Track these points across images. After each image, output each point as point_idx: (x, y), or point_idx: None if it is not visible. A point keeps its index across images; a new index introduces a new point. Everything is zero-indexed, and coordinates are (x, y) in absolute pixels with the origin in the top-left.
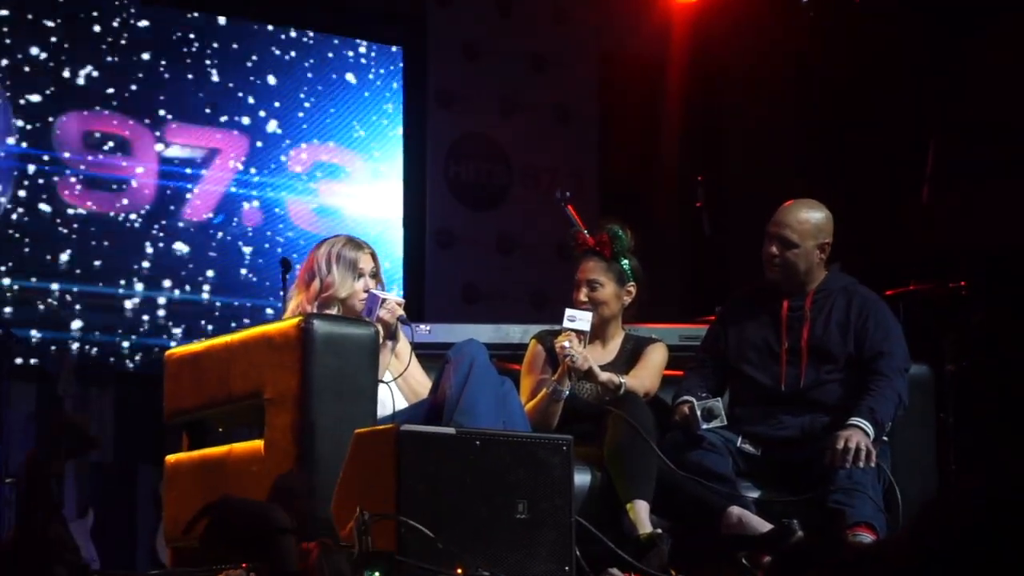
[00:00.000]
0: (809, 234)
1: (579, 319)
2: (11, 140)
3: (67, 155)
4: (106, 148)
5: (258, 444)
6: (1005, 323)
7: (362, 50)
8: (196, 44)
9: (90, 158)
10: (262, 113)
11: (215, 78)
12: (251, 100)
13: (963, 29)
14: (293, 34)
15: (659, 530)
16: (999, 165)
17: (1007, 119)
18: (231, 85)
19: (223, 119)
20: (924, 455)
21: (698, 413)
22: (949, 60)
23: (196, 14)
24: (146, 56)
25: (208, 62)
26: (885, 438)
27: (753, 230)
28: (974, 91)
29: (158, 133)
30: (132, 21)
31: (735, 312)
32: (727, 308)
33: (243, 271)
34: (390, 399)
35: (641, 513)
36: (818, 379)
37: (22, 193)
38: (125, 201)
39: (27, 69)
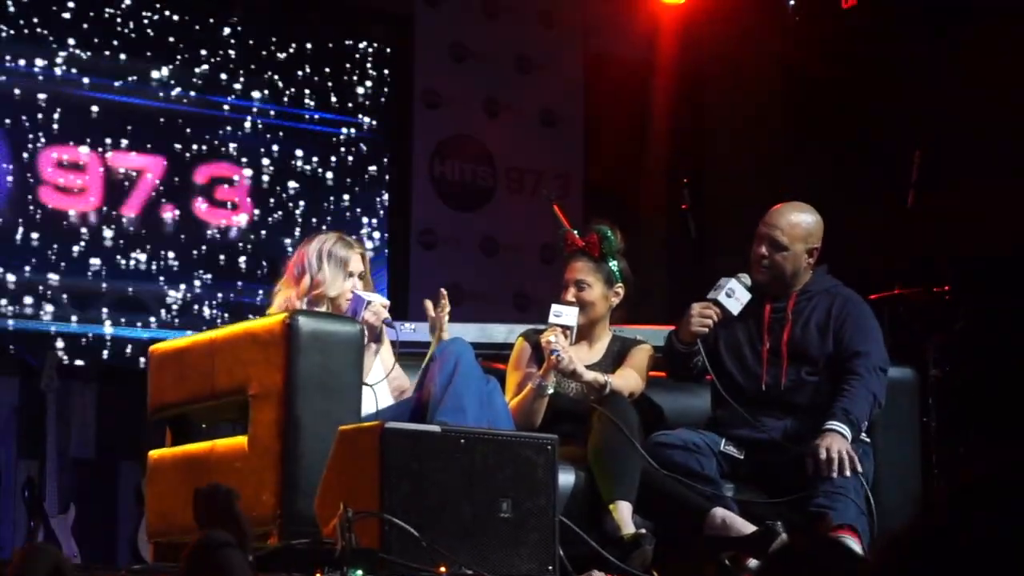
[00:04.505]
0: (799, 237)
1: (565, 314)
2: None
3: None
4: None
5: (242, 440)
6: (988, 329)
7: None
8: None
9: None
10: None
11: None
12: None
13: (949, 35)
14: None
15: (643, 530)
16: (985, 171)
17: (993, 125)
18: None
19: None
20: (907, 459)
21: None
22: (936, 65)
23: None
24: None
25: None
26: (867, 439)
27: (739, 233)
28: (960, 96)
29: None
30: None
31: None
32: None
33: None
34: (373, 402)
35: (624, 513)
36: (799, 380)
37: None
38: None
39: None
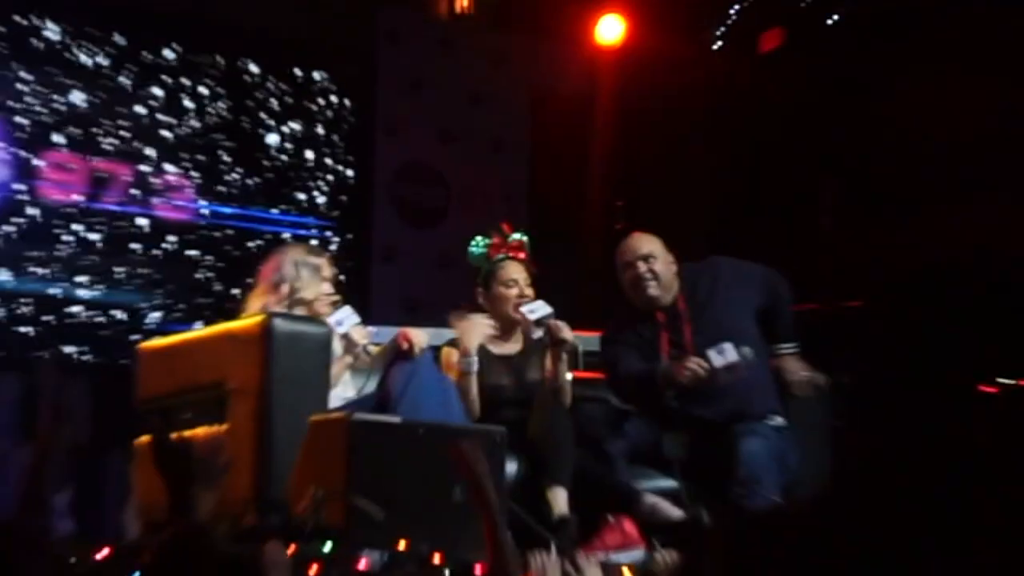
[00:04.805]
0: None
1: (538, 309)
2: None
3: None
4: None
5: (220, 429)
6: (895, 340)
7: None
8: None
9: None
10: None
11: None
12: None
13: (858, 81)
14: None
15: (571, 513)
16: (894, 197)
17: (902, 157)
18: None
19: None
20: (820, 459)
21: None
22: (846, 106)
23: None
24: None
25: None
26: (783, 420)
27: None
28: (867, 129)
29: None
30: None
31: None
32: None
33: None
34: (337, 400)
35: (558, 497)
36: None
37: None
38: None
39: None
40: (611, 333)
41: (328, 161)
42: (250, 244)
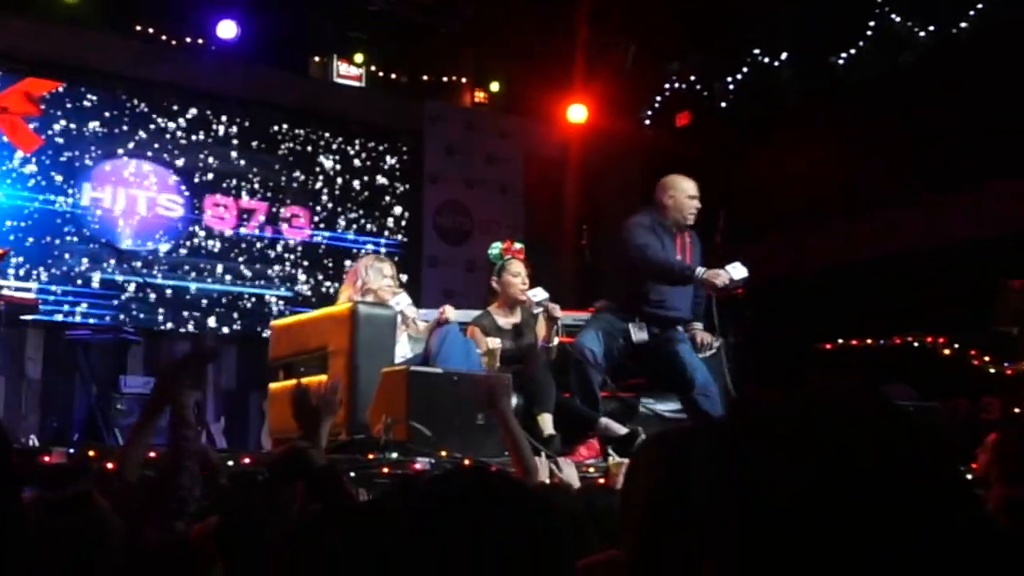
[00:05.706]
0: None
1: (538, 293)
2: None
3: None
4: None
5: (324, 377)
6: (765, 314)
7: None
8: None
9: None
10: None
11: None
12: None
13: (737, 141)
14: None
15: (554, 432)
16: (765, 225)
17: (766, 194)
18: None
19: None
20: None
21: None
22: (730, 159)
23: (282, 126)
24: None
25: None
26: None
27: (614, 261)
28: (746, 176)
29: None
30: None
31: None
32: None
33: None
34: (400, 356)
35: (545, 420)
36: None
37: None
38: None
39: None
40: (643, 223)
41: (393, 201)
42: (343, 255)
